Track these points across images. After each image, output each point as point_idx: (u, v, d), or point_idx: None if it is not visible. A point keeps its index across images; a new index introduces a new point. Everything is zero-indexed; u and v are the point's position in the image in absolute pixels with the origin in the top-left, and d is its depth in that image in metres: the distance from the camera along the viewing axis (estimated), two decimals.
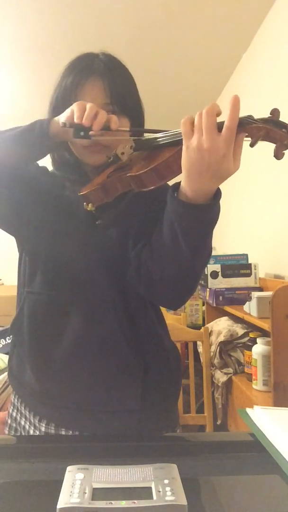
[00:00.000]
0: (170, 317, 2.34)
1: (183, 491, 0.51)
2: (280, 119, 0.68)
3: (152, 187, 0.73)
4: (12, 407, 0.96)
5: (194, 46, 2.52)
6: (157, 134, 0.76)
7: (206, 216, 0.70)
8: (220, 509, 0.54)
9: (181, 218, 0.70)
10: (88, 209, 0.81)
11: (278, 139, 0.66)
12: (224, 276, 2.24)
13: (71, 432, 0.86)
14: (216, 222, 0.72)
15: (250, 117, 0.67)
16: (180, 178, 0.71)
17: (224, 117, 0.64)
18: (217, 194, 0.70)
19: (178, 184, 0.71)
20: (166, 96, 3.12)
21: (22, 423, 0.92)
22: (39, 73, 2.74)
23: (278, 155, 0.66)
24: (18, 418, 0.93)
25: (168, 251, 0.75)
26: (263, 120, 0.68)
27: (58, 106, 0.85)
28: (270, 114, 0.69)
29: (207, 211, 0.70)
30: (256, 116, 0.69)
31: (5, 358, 1.83)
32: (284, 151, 0.67)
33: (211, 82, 2.92)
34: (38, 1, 2.08)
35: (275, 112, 0.68)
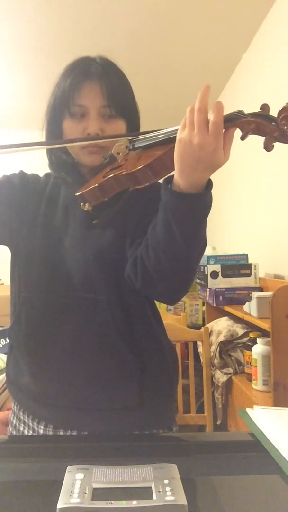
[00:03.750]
0: (170, 317, 2.33)
1: (183, 491, 0.51)
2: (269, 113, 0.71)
3: (147, 184, 0.74)
4: (12, 415, 0.97)
5: (194, 46, 2.51)
6: (151, 133, 0.78)
7: (199, 205, 0.72)
8: (220, 509, 0.54)
9: (175, 208, 0.72)
10: (85, 209, 0.82)
11: (268, 132, 0.70)
12: (224, 276, 2.24)
13: (69, 432, 0.87)
14: (209, 211, 0.74)
15: (240, 112, 0.70)
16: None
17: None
18: (209, 184, 0.72)
19: (171, 177, 0.73)
20: (166, 96, 3.12)
21: (21, 429, 0.93)
22: (39, 73, 2.74)
23: (268, 147, 0.70)
24: (17, 424, 0.94)
25: (164, 243, 0.76)
26: (253, 115, 0.71)
27: (56, 108, 0.88)
28: (260, 109, 0.72)
29: (200, 200, 0.72)
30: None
31: (5, 357, 1.82)
32: (274, 143, 0.70)
33: (211, 82, 2.89)
34: (38, 1, 2.08)
35: (264, 107, 0.71)
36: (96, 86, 0.85)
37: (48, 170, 0.96)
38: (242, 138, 0.69)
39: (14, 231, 0.90)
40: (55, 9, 2.14)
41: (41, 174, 0.99)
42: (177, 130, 0.70)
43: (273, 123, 0.69)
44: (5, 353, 1.97)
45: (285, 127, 0.68)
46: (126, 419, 0.86)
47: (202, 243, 0.78)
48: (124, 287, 0.85)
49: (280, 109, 0.69)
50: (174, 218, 0.72)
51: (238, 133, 0.70)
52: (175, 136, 0.69)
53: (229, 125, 0.69)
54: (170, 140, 0.72)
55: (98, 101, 0.84)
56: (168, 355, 0.94)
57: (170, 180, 0.73)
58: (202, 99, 0.66)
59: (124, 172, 0.75)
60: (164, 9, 2.16)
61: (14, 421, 0.95)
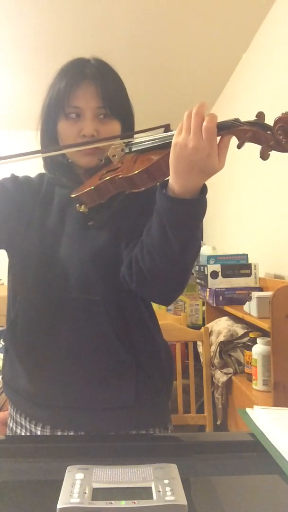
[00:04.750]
0: (170, 317, 2.34)
1: (183, 491, 0.51)
2: (265, 122, 0.72)
3: (143, 188, 0.75)
4: (9, 418, 0.97)
5: (194, 46, 2.51)
6: (147, 137, 0.79)
7: (193, 210, 0.73)
8: (220, 509, 0.54)
9: (170, 213, 0.73)
10: (81, 210, 0.82)
11: (264, 140, 0.70)
12: (224, 276, 2.24)
13: (66, 432, 0.87)
14: (203, 216, 0.75)
15: (237, 120, 0.71)
16: None
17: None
18: (204, 189, 0.73)
19: (166, 182, 0.74)
20: (166, 96, 3.12)
21: (18, 431, 0.93)
22: (39, 73, 2.74)
23: (264, 155, 0.71)
24: (14, 428, 0.94)
25: (159, 246, 0.76)
26: (250, 123, 0.71)
27: (51, 109, 0.88)
28: (256, 117, 0.72)
29: (194, 205, 0.72)
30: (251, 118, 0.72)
31: None
32: (270, 152, 0.71)
33: (211, 82, 2.92)
34: (38, 1, 2.08)
35: (260, 116, 0.72)
36: (91, 88, 0.85)
37: (42, 171, 0.96)
38: (239, 146, 0.70)
39: (12, 232, 0.90)
40: (55, 9, 2.14)
41: (37, 175, 0.98)
42: (173, 135, 0.70)
43: (268, 132, 0.70)
44: None
45: (280, 137, 0.69)
46: (123, 418, 0.87)
47: (196, 246, 0.79)
48: (120, 287, 0.86)
49: (276, 118, 0.69)
50: (168, 222, 0.73)
51: (235, 140, 0.71)
52: (171, 141, 0.70)
53: (225, 133, 0.69)
54: (166, 145, 0.73)
55: (93, 103, 0.85)
56: (163, 354, 0.95)
57: (165, 184, 0.74)
58: (200, 106, 0.67)
59: (120, 176, 0.75)
60: (164, 9, 2.16)
61: (11, 424, 0.95)
